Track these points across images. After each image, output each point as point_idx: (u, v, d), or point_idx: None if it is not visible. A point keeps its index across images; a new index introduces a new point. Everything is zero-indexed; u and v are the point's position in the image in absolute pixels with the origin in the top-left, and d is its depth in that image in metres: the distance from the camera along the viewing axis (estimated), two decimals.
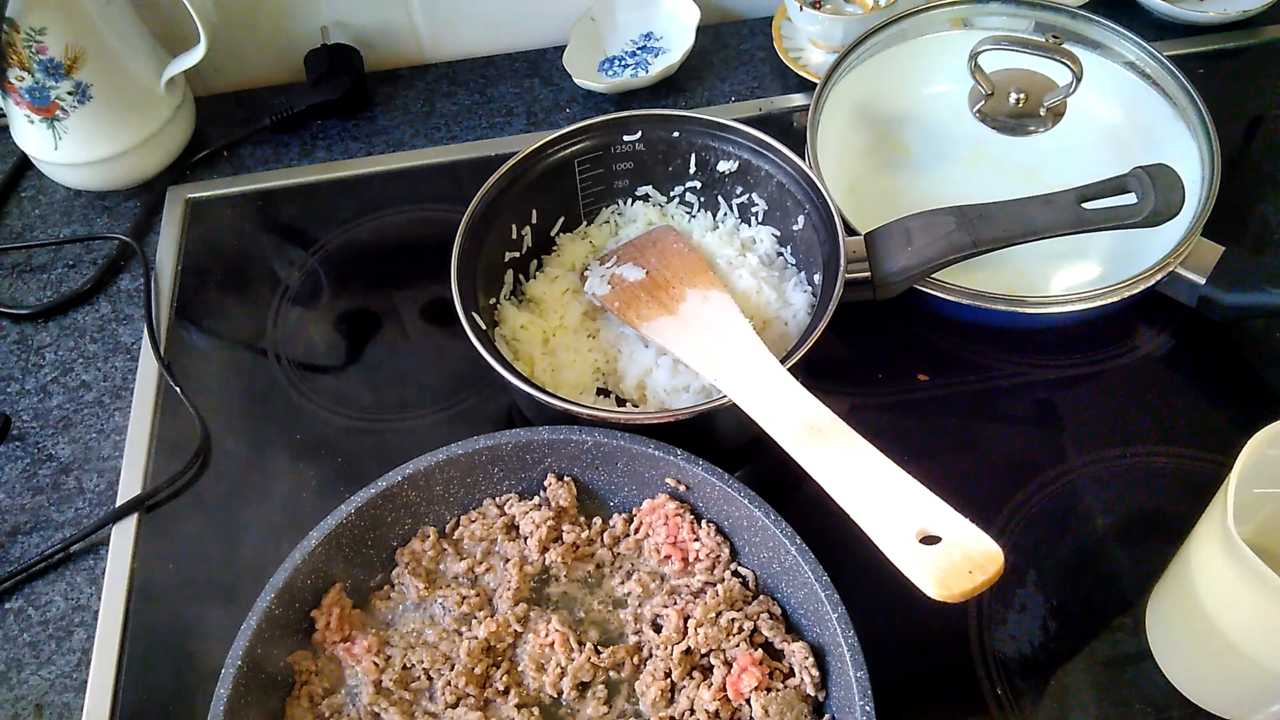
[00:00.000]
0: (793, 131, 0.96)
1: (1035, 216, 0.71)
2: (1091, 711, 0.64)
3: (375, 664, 0.62)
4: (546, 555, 0.66)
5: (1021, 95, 0.83)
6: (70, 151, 0.91)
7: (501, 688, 0.62)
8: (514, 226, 0.79)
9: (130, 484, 0.77)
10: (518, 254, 0.81)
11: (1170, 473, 0.73)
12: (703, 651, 0.61)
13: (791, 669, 0.61)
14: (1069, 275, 0.81)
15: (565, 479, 0.68)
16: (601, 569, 0.67)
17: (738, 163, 0.80)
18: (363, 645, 0.63)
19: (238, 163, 0.99)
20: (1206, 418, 0.77)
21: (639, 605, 0.65)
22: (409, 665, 0.63)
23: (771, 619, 0.62)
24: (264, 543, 0.73)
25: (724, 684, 0.60)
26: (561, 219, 0.83)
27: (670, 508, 0.66)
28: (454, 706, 0.61)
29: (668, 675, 0.61)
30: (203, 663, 0.65)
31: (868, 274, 0.74)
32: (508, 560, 0.66)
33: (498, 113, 1.02)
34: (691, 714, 0.60)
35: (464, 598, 0.65)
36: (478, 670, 0.62)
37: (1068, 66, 0.78)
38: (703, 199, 0.84)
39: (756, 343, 0.67)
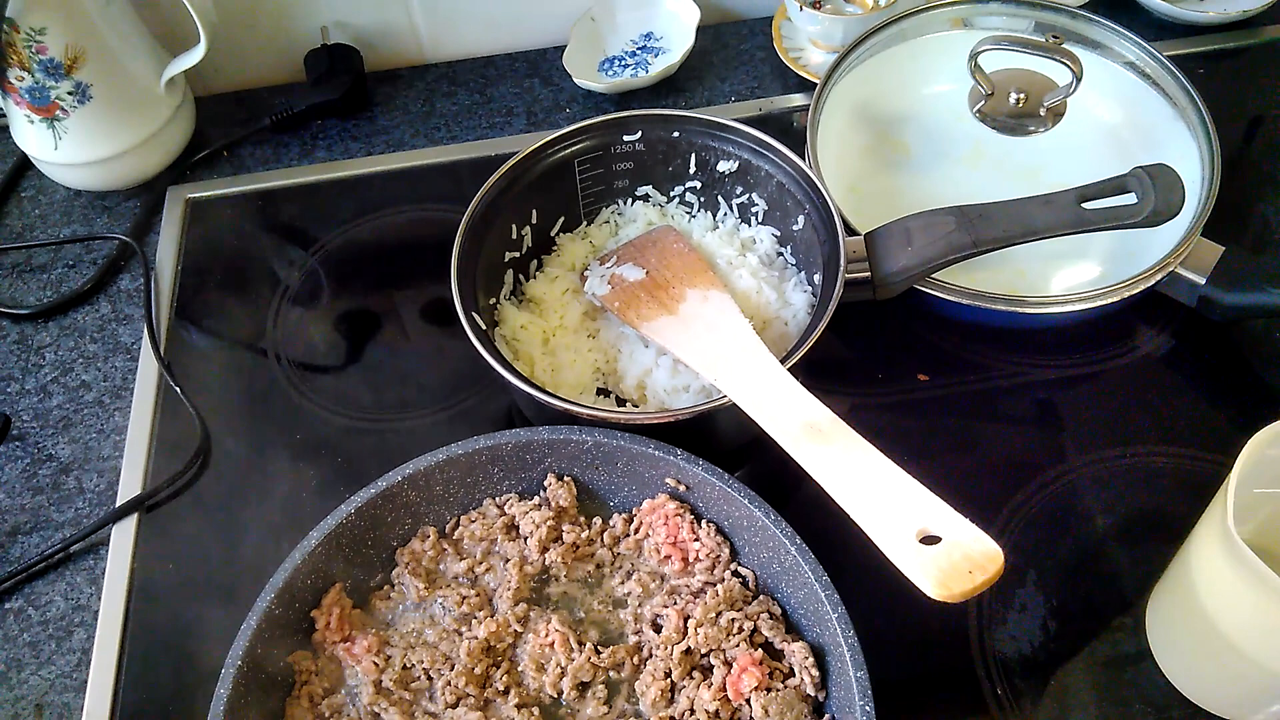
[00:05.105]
0: (793, 131, 0.96)
1: (1035, 216, 0.71)
2: (1091, 711, 0.64)
3: (375, 664, 0.62)
4: (546, 555, 0.66)
5: (1021, 95, 0.83)
6: (70, 151, 0.91)
7: (501, 688, 0.62)
8: (514, 226, 0.79)
9: (130, 484, 0.77)
10: (518, 254, 0.80)
11: (1170, 473, 0.73)
12: (703, 651, 0.61)
13: (791, 669, 0.61)
14: (1069, 275, 0.81)
15: (565, 479, 0.68)
16: (601, 569, 0.67)
17: (738, 163, 0.80)
18: (363, 645, 0.63)
19: (238, 163, 0.99)
20: (1206, 418, 0.77)
21: (639, 605, 0.65)
22: (409, 665, 0.63)
23: (771, 619, 0.62)
24: (264, 543, 0.73)
25: (724, 684, 0.60)
26: (561, 219, 0.83)
27: (670, 508, 0.66)
28: (454, 706, 0.61)
29: (668, 675, 0.61)
30: (203, 663, 0.65)
31: (868, 274, 0.74)
32: (508, 560, 0.66)
33: (498, 113, 1.02)
34: (691, 714, 0.60)
35: (464, 598, 0.65)
36: (478, 670, 0.62)
37: (1068, 66, 0.78)
38: (703, 199, 0.84)
39: (756, 343, 0.67)
